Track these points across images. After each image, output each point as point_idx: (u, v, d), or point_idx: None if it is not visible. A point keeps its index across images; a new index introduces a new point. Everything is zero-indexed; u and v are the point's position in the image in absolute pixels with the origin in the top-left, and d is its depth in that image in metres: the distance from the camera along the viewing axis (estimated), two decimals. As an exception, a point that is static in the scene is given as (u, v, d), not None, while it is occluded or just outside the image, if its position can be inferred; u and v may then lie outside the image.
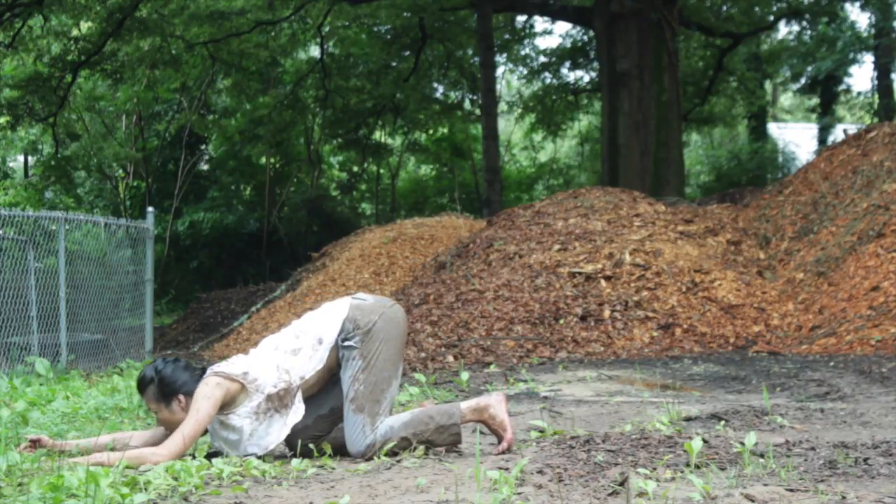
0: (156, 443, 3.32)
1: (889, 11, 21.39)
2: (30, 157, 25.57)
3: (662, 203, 12.74)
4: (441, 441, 3.33)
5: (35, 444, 3.32)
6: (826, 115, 25.31)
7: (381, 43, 22.74)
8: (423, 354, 8.33)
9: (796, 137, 27.87)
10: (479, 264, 10.94)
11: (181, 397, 3.29)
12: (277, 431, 3.27)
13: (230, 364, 3.29)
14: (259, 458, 3.23)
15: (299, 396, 3.30)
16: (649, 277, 9.94)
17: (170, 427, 3.29)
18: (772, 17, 22.48)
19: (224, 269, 21.95)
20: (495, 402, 3.35)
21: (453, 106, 25.69)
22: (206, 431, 3.30)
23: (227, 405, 3.25)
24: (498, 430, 3.35)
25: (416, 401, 5.24)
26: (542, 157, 30.73)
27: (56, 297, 8.44)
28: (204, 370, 3.35)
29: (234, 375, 3.24)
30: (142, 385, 3.37)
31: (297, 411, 3.29)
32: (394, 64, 23.38)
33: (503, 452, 3.30)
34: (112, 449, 3.26)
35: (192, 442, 3.17)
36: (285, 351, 3.33)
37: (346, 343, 3.30)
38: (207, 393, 3.19)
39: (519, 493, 2.49)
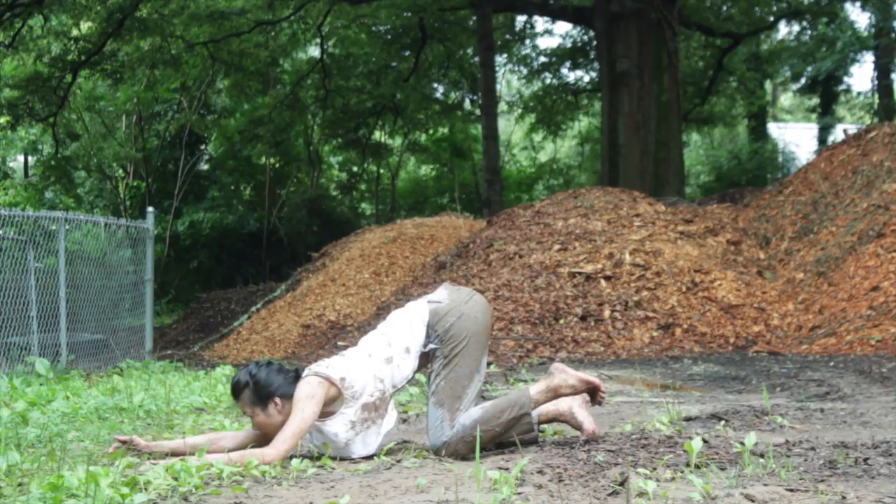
0: (247, 444, 3.33)
1: (889, 11, 21.39)
2: (30, 157, 25.56)
3: (662, 203, 12.74)
4: (513, 433, 3.29)
5: (126, 444, 3.30)
6: (826, 115, 25.32)
7: (381, 43, 22.74)
8: (423, 354, 8.32)
9: (796, 137, 27.87)
10: (479, 264, 10.94)
11: (277, 400, 3.28)
12: (374, 441, 3.31)
13: (329, 367, 3.28)
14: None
15: (392, 404, 3.36)
16: (649, 277, 9.94)
17: (265, 430, 3.29)
18: (772, 17, 22.48)
19: (224, 269, 21.94)
20: (563, 376, 3.38)
21: (453, 106, 25.68)
22: None
23: (324, 408, 3.25)
24: (585, 390, 3.40)
25: (415, 400, 5.24)
26: (542, 157, 30.73)
27: (56, 297, 8.43)
28: (297, 372, 3.34)
29: (334, 379, 3.24)
30: (236, 390, 3.35)
31: (391, 419, 3.34)
32: (394, 64, 23.37)
33: (600, 403, 3.43)
34: (208, 451, 3.26)
35: (298, 441, 3.18)
36: (379, 359, 3.33)
37: (428, 348, 3.35)
38: (311, 392, 3.19)
39: (519, 493, 2.49)
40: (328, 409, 3.26)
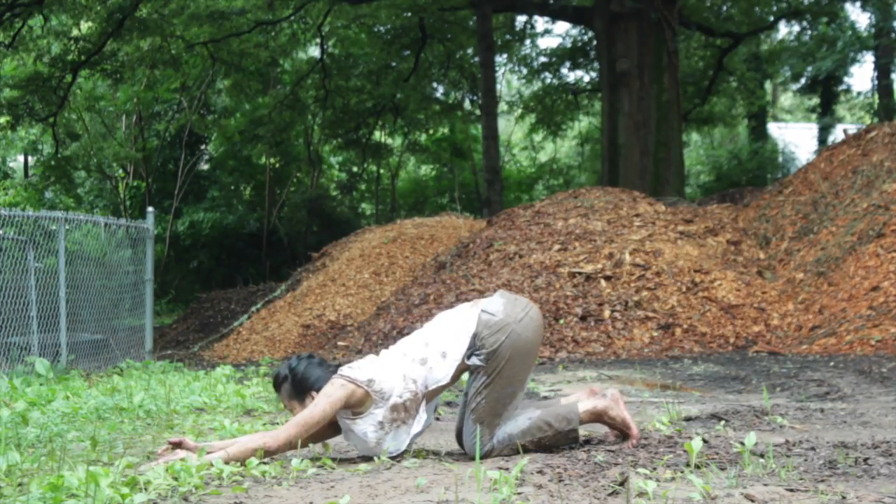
0: None
1: (889, 11, 21.40)
2: (30, 157, 25.57)
3: (662, 203, 12.74)
4: (558, 445, 3.29)
5: (177, 446, 3.25)
6: (826, 115, 25.32)
7: (381, 43, 22.74)
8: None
9: (796, 137, 27.87)
10: (479, 264, 10.94)
11: (314, 394, 3.29)
12: (405, 439, 3.27)
13: (358, 368, 3.26)
14: None
15: (424, 406, 3.29)
16: (649, 277, 9.95)
17: None
18: (772, 17, 22.49)
19: (224, 269, 21.94)
20: (612, 404, 3.31)
21: (453, 106, 25.69)
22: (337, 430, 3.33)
23: (353, 409, 3.24)
24: (621, 429, 3.33)
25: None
26: (542, 157, 30.73)
27: (56, 297, 8.43)
28: (338, 367, 3.34)
29: (360, 381, 3.21)
30: (276, 383, 3.37)
31: (420, 420, 3.28)
32: (394, 64, 23.38)
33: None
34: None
35: (301, 433, 3.16)
36: (413, 359, 3.28)
37: (472, 360, 3.25)
38: (329, 392, 3.19)
39: (519, 493, 2.49)
40: (358, 409, 3.24)
